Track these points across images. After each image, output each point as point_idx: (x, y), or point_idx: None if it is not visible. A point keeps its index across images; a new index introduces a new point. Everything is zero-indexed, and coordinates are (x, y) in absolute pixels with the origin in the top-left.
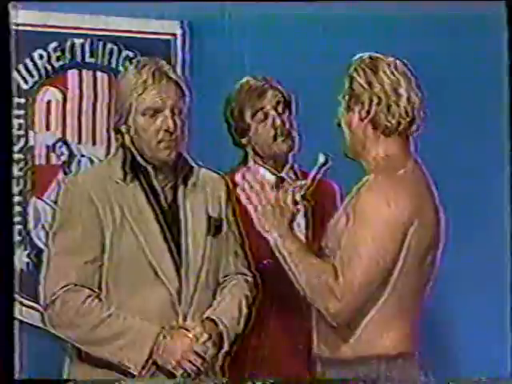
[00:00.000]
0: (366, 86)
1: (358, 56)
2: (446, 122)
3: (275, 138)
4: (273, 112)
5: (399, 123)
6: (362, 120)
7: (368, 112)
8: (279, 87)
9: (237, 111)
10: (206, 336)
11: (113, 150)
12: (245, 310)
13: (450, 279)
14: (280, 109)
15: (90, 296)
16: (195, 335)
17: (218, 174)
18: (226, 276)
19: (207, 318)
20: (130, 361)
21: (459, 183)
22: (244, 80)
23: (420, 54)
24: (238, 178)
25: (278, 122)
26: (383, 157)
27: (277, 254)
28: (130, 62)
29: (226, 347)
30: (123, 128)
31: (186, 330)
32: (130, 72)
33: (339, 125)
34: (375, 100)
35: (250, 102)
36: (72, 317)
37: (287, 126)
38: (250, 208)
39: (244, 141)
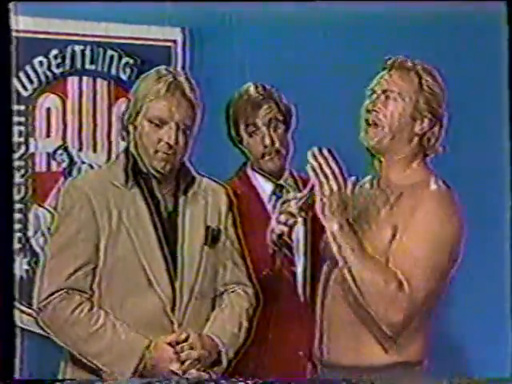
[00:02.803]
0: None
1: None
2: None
3: (263, 155)
4: (263, 129)
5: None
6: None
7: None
8: (278, 100)
9: (232, 119)
10: (197, 350)
11: (113, 157)
12: (245, 325)
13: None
14: (272, 126)
15: (80, 304)
16: (188, 344)
17: (220, 183)
18: (226, 285)
19: (206, 335)
20: (117, 372)
21: (460, 183)
22: (246, 87)
23: (419, 54)
24: (310, 155)
25: (267, 141)
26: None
27: (331, 243)
28: (131, 69)
29: (224, 364)
30: (130, 127)
31: (174, 343)
32: (151, 77)
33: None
34: (433, 120)
35: (244, 114)
36: (62, 324)
37: (277, 145)
38: (317, 190)
39: (241, 147)
